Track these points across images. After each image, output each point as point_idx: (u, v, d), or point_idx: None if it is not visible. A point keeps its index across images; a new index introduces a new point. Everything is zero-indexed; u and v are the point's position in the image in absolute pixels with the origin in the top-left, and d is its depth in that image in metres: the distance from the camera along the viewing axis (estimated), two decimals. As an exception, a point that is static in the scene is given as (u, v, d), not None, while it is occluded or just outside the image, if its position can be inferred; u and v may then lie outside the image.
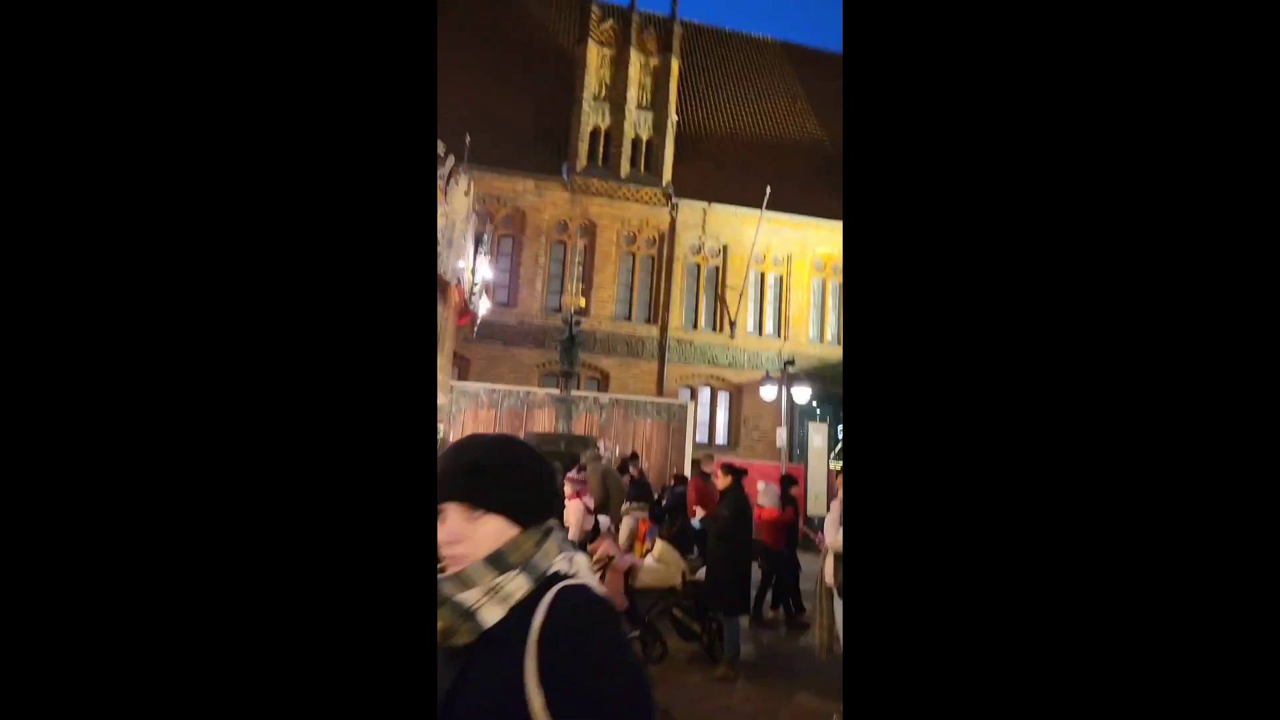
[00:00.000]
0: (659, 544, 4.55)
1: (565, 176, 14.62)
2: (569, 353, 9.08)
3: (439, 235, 4.79)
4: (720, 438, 15.17)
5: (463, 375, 13.57)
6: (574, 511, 4.72)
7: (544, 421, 11.27)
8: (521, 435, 9.87)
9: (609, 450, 11.01)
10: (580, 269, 14.46)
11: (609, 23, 15.33)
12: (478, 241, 5.65)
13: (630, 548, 4.90)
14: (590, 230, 14.96)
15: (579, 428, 11.29)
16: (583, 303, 10.88)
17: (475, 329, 7.54)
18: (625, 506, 5.09)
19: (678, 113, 15.50)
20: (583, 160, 14.79)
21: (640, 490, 5.45)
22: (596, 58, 15.19)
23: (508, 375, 13.48)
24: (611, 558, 4.02)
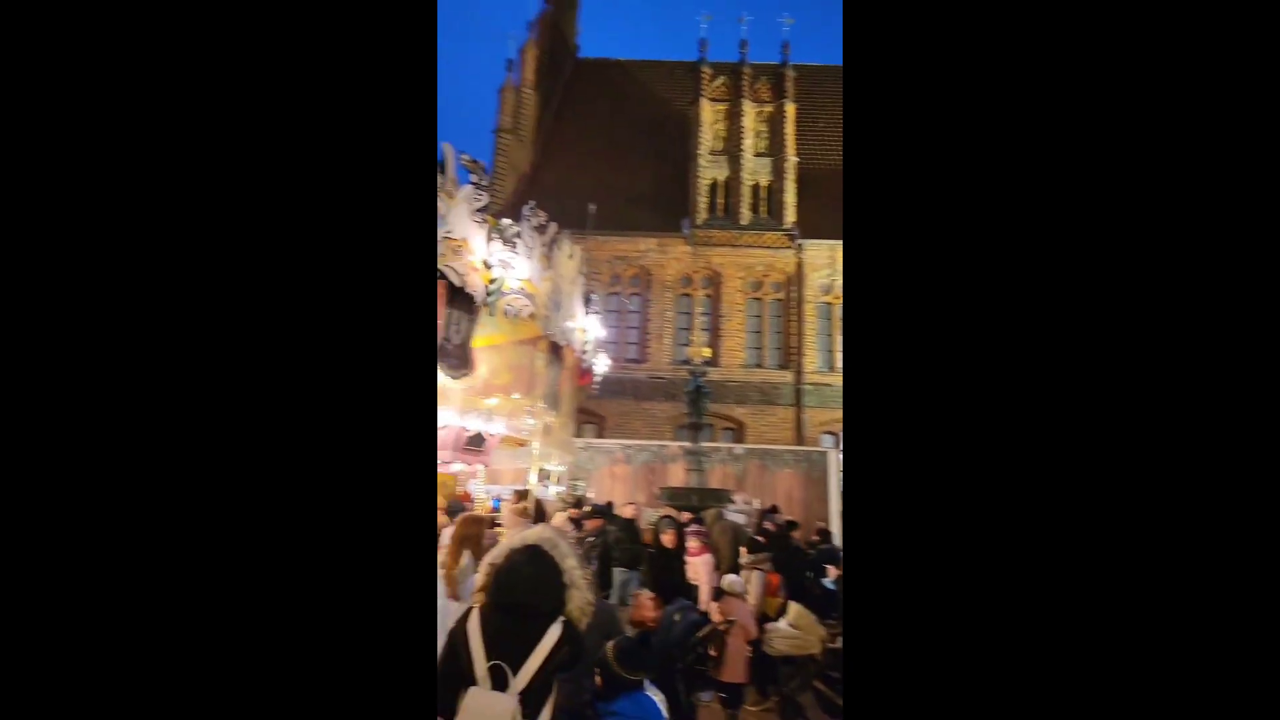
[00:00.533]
0: (792, 608, 4.18)
1: (686, 231, 14.86)
2: (696, 404, 8.97)
3: (547, 299, 4.96)
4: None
5: (600, 433, 13.90)
6: (702, 570, 4.48)
7: (679, 475, 11.14)
8: (654, 491, 9.82)
9: (746, 504, 10.61)
10: (706, 319, 14.44)
11: (720, 80, 15.69)
12: (587, 302, 5.79)
13: (761, 605, 4.55)
14: (715, 280, 14.97)
15: (714, 481, 11.02)
16: (708, 352, 10.77)
17: (596, 386, 7.62)
18: (746, 560, 4.76)
19: (796, 154, 15.31)
20: (702, 213, 14.99)
21: (762, 543, 5.08)
22: (710, 114, 15.53)
23: (642, 430, 13.60)
24: (732, 621, 3.73)
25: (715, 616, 3.73)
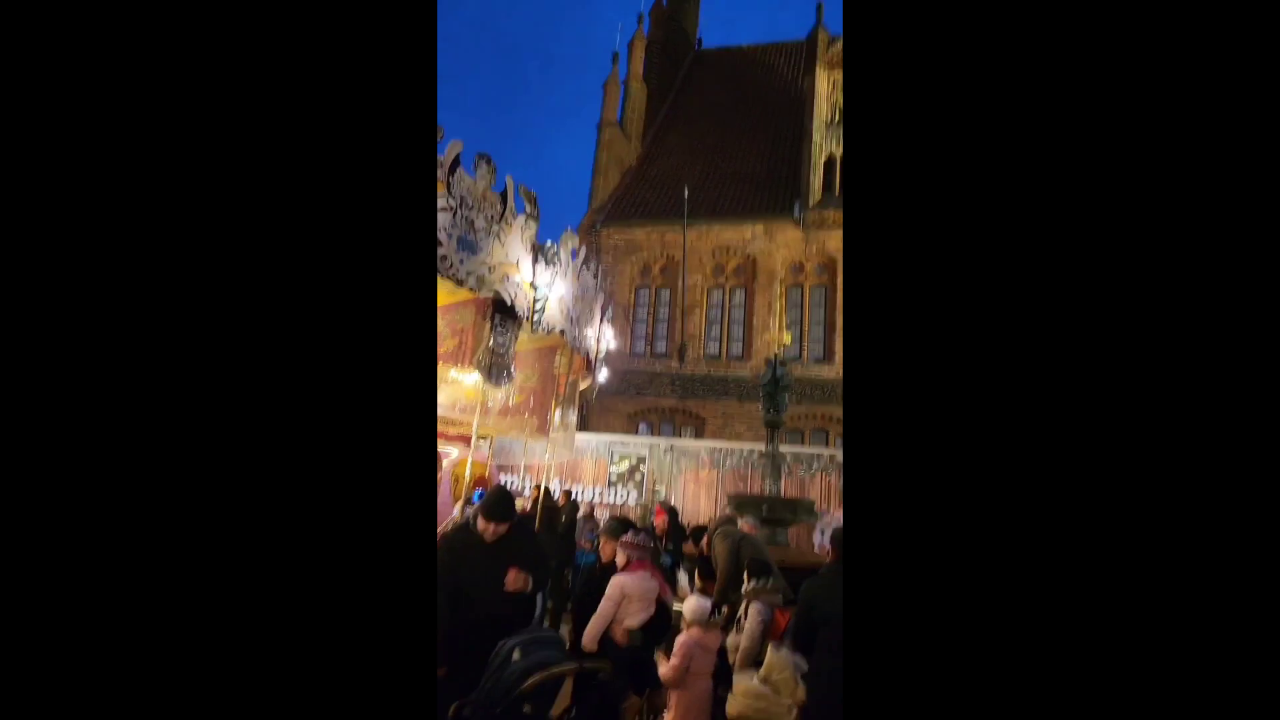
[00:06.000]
0: (771, 655, 2.99)
1: (798, 214, 13.42)
2: (774, 399, 7.67)
3: (568, 308, 5.01)
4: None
5: (698, 434, 12.90)
6: (633, 591, 3.09)
7: (784, 484, 9.84)
8: (730, 494, 8.65)
9: (830, 518, 9.01)
10: (820, 312, 12.84)
11: (838, 45, 14.07)
12: (604, 311, 5.74)
13: (759, 650, 3.38)
14: (829, 268, 13.34)
15: (814, 492, 9.59)
16: (788, 339, 9.37)
17: (595, 394, 7.26)
18: (749, 587, 3.60)
19: (929, 119, 13.24)
20: (816, 193, 13.44)
21: (766, 565, 3.82)
22: (827, 83, 13.97)
23: (745, 433, 12.37)
24: (686, 669, 2.67)
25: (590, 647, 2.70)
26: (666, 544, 6.24)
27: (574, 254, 4.95)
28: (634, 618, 2.84)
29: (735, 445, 10.66)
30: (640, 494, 10.19)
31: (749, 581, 3.65)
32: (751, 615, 3.57)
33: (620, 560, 3.08)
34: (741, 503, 7.52)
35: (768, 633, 3.53)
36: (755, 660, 3.34)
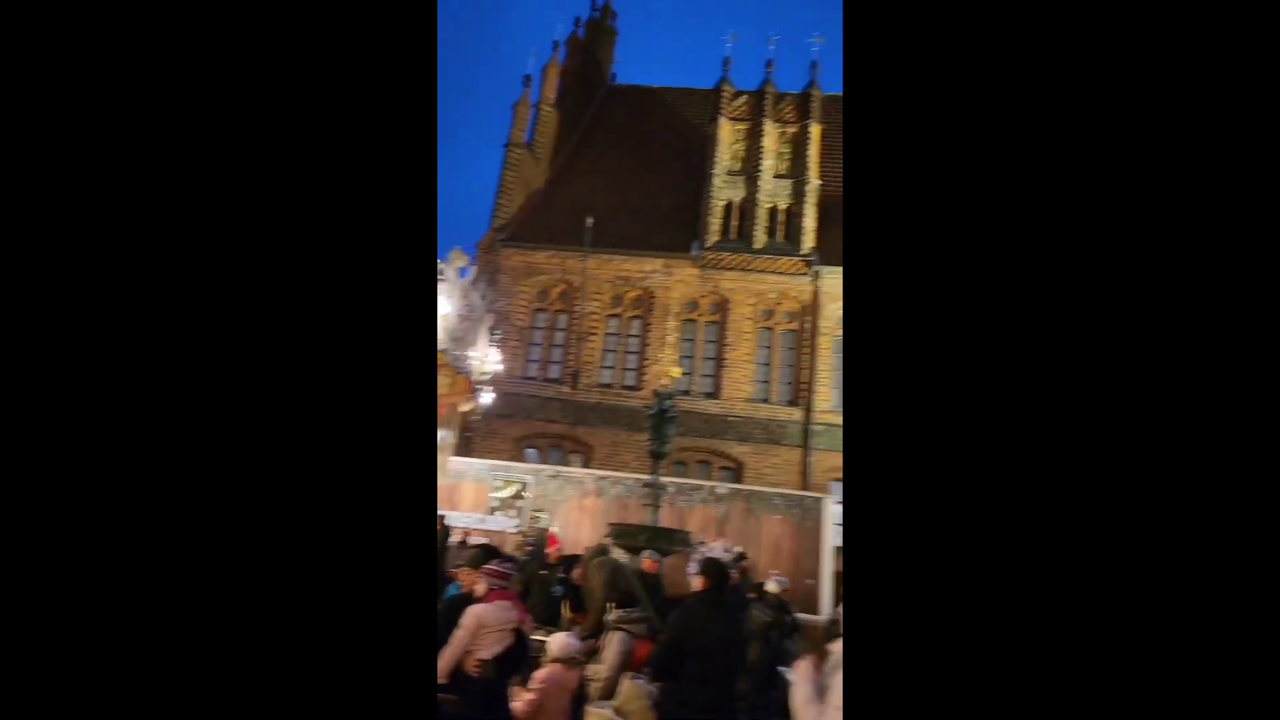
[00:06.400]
0: (626, 685, 3.02)
1: (695, 252, 13.94)
2: (659, 430, 7.83)
3: (452, 327, 5.07)
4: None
5: (586, 462, 12.87)
6: (490, 621, 2.93)
7: (661, 514, 9.96)
8: (611, 523, 8.67)
9: (726, 550, 9.27)
10: (711, 347, 13.32)
11: (742, 99, 14.93)
12: (491, 333, 5.70)
13: (617, 681, 3.39)
14: (723, 306, 13.91)
15: (693, 523, 9.79)
16: (677, 373, 9.65)
17: (478, 414, 7.19)
18: (614, 617, 3.62)
19: (820, 177, 14.26)
20: (714, 235, 14.05)
21: (637, 595, 3.88)
22: (729, 133, 14.74)
23: (632, 462, 12.47)
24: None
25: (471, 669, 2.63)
26: (557, 573, 6.14)
27: (462, 272, 4.88)
28: (488, 649, 2.77)
29: (621, 474, 10.73)
30: (522, 521, 9.98)
31: (614, 611, 3.68)
32: (612, 645, 3.59)
33: (480, 589, 3.01)
34: (620, 531, 7.55)
35: (627, 663, 3.56)
36: (612, 691, 3.35)
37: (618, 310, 14.26)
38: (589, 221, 13.05)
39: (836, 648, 1.92)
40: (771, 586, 5.93)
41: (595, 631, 3.88)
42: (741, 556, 7.93)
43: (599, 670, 3.53)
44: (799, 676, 1.88)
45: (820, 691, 1.80)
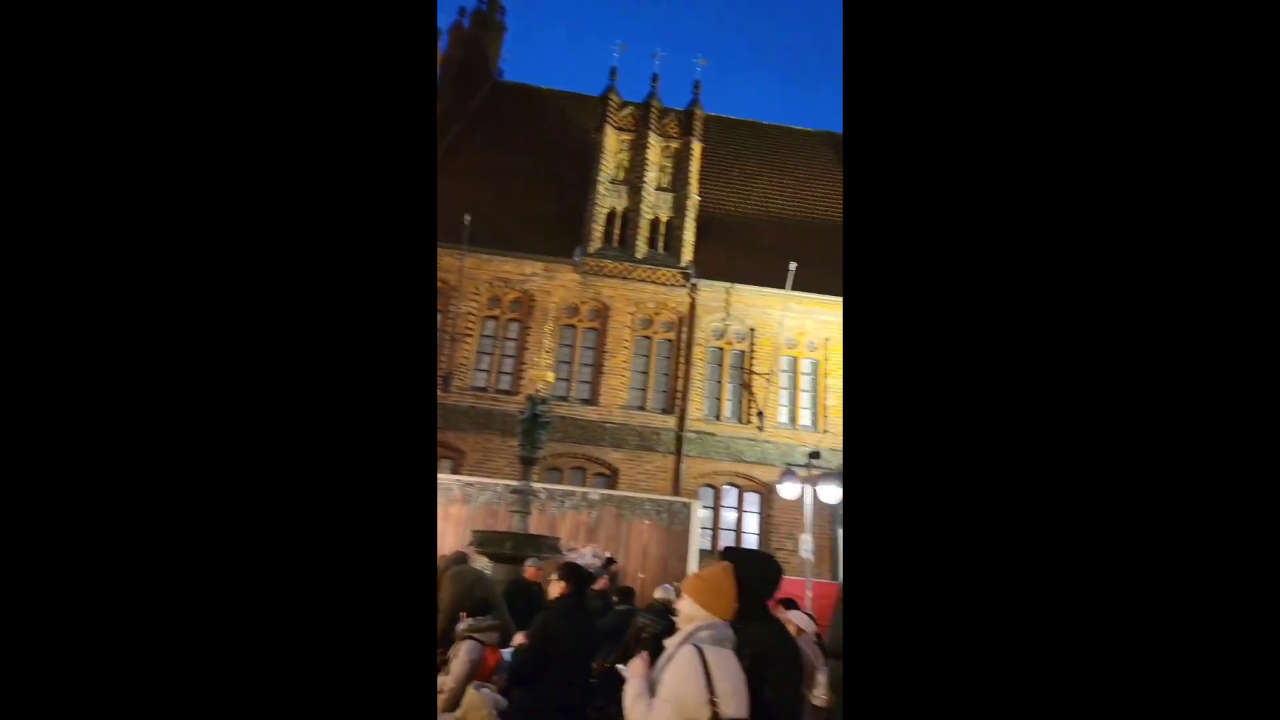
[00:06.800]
0: (469, 695, 2.90)
1: (577, 258, 13.91)
2: (531, 436, 7.70)
3: None
4: (750, 545, 12.98)
5: (455, 469, 12.36)
6: None
7: (531, 520, 9.75)
8: (476, 530, 8.38)
9: (595, 556, 9.26)
10: (589, 353, 13.33)
11: (627, 110, 15.16)
12: None
13: (463, 691, 3.22)
14: (603, 313, 13.98)
15: (564, 529, 9.69)
16: (551, 378, 9.60)
17: None
18: (464, 626, 3.46)
19: (699, 194, 14.78)
20: (597, 242, 14.11)
21: (493, 604, 3.76)
22: (615, 142, 14.90)
23: (504, 469, 12.14)
24: None
25: None
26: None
27: None
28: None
29: (489, 480, 10.42)
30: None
31: (464, 620, 3.52)
32: (460, 655, 3.44)
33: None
34: (485, 539, 7.32)
35: (475, 673, 3.42)
36: (458, 701, 3.20)
37: (495, 312, 13.89)
38: (466, 219, 12.62)
39: (672, 643, 1.94)
40: (659, 594, 5.98)
41: (445, 642, 3.70)
42: (611, 561, 7.95)
43: (445, 681, 3.37)
44: (631, 673, 1.87)
45: (651, 687, 1.80)
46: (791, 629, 4.58)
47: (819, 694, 3.26)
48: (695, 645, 1.88)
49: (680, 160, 14.91)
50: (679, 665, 1.83)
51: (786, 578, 10.56)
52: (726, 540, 12.65)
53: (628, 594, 6.31)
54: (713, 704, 1.72)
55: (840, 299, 13.83)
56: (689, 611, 2.17)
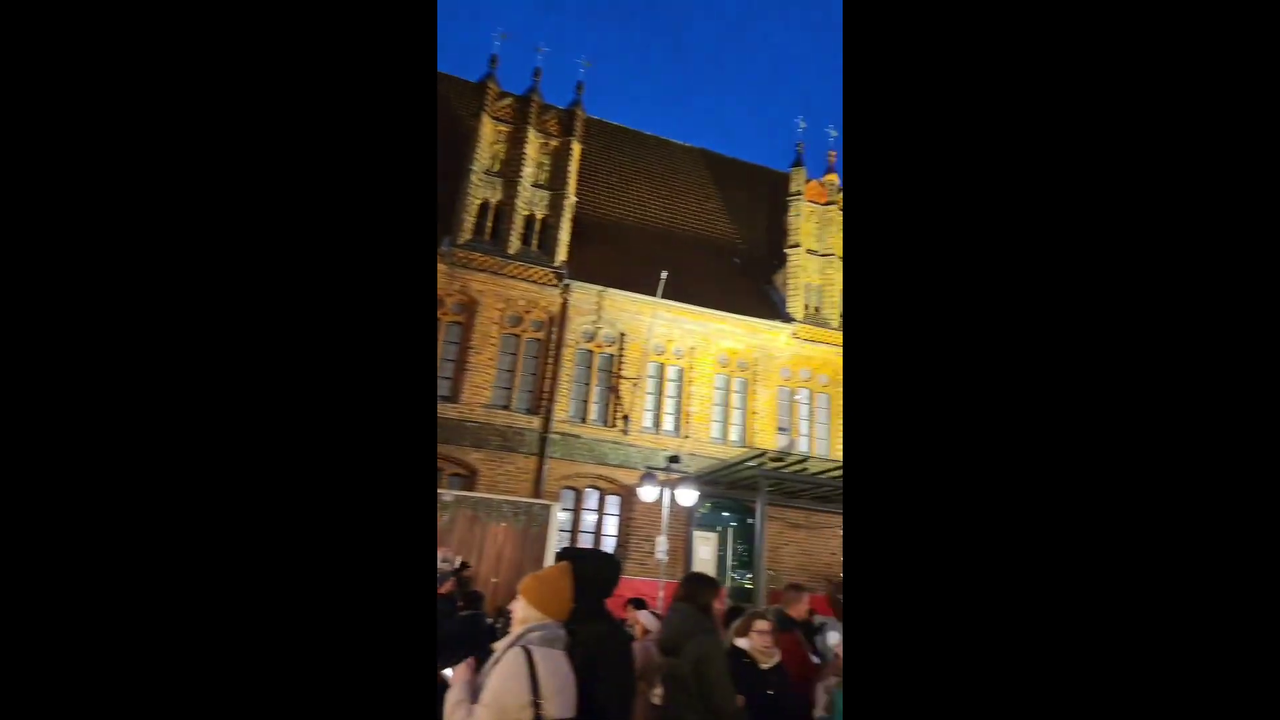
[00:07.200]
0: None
1: (445, 248, 13.31)
2: (380, 431, 7.18)
3: None
4: (608, 548, 13.05)
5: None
6: None
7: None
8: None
9: (445, 560, 8.84)
10: (453, 348, 12.76)
11: (507, 101, 14.79)
12: None
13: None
14: (469, 307, 13.48)
15: (414, 532, 9.14)
16: None
17: None
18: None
19: (576, 194, 14.72)
20: (467, 233, 13.58)
21: None
22: (492, 133, 14.46)
23: (351, 467, 11.27)
24: None
25: None
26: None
27: None
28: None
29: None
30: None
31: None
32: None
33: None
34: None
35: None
36: None
37: (351, 299, 12.93)
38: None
39: (501, 646, 1.86)
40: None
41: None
42: (464, 566, 7.61)
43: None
44: (455, 678, 1.77)
45: (474, 693, 1.72)
46: (638, 629, 4.60)
47: (659, 692, 3.29)
48: (523, 647, 1.81)
49: (559, 159, 14.77)
50: (503, 668, 1.75)
51: (641, 579, 10.72)
52: (586, 543, 12.63)
53: (476, 599, 6.06)
54: (536, 705, 1.66)
55: (706, 310, 14.37)
56: (522, 614, 2.09)
